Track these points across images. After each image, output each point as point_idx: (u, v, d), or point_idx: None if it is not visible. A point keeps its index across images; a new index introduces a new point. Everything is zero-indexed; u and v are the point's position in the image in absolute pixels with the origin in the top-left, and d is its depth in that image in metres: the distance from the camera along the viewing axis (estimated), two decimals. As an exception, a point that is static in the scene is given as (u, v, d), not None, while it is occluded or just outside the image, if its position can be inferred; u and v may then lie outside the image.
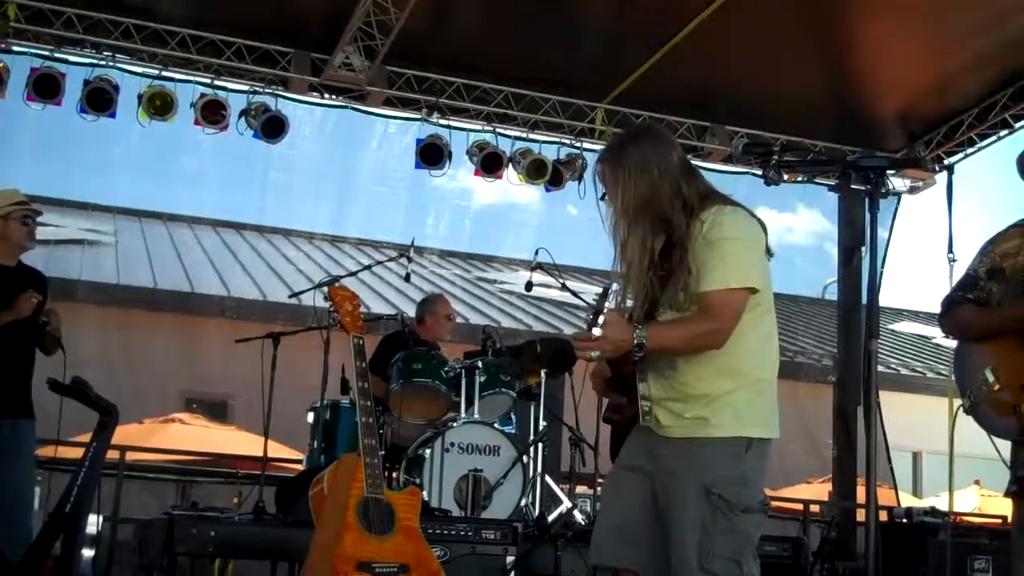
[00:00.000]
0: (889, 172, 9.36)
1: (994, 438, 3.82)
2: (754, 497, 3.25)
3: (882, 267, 10.18)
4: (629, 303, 3.42)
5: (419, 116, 9.20)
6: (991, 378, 3.78)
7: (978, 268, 3.91)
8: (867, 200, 3.05)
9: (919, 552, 6.20)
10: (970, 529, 6.69)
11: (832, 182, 9.19)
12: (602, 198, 3.44)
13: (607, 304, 3.38)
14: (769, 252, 3.42)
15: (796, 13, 8.11)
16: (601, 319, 3.20)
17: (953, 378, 4.09)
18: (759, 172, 9.63)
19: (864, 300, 10.06)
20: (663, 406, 3.34)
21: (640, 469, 3.38)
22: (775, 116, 9.46)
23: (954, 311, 3.94)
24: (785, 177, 3.26)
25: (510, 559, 5.31)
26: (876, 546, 3.02)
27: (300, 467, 7.77)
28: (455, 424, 6.49)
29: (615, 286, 3.46)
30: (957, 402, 3.94)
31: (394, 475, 6.55)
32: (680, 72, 8.81)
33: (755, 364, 3.33)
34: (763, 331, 3.35)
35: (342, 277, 7.61)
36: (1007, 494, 3.86)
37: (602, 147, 9.45)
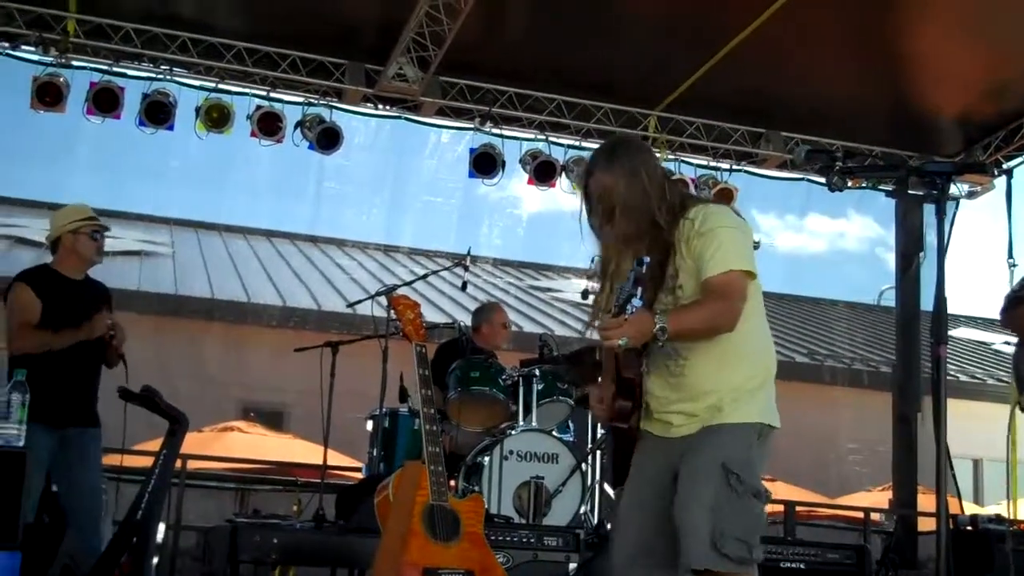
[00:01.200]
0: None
1: None
2: (759, 483, 3.31)
3: (942, 272, 10.05)
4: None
5: (472, 126, 9.25)
6: None
7: None
8: (935, 205, 3.06)
9: (985, 560, 6.13)
10: (1039, 536, 6.60)
11: (889, 187, 9.12)
12: (587, 204, 3.53)
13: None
14: (755, 245, 3.53)
15: (849, 17, 8.06)
16: (630, 308, 3.21)
17: (1014, 376, 4.07)
18: (814, 178, 9.63)
19: (923, 306, 10.08)
20: (674, 408, 3.42)
21: (654, 480, 3.40)
22: (831, 121, 9.41)
23: (1018, 308, 3.93)
24: (849, 183, 3.27)
25: (572, 566, 5.32)
26: (947, 554, 3.00)
27: (358, 475, 7.83)
28: (513, 432, 6.50)
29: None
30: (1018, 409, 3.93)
31: (452, 483, 6.58)
32: (732, 79, 8.78)
33: (759, 352, 3.44)
34: (756, 325, 3.44)
35: (399, 286, 7.66)
36: None
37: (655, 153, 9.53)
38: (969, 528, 6.50)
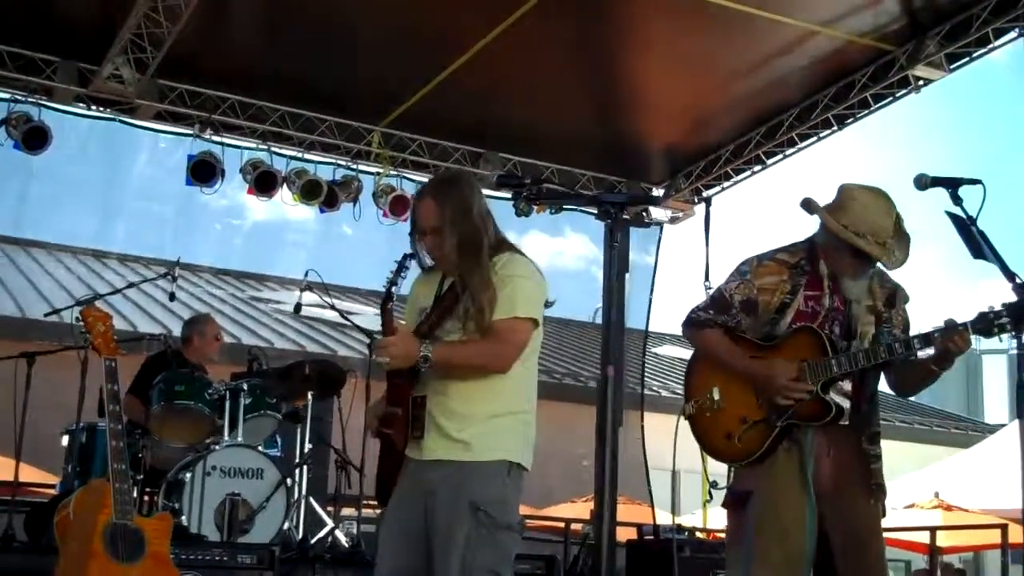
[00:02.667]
0: (652, 205, 9.77)
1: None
2: (513, 517, 3.50)
3: (651, 293, 10.61)
4: (453, 336, 3.58)
5: (191, 132, 9.03)
6: (717, 397, 4.06)
7: (734, 295, 4.10)
8: (608, 232, 3.24)
9: (665, 568, 6.50)
10: (715, 545, 7.05)
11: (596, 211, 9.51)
12: (416, 231, 3.67)
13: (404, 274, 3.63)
14: (547, 303, 3.71)
15: (569, 48, 8.40)
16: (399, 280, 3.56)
17: (683, 383, 4.34)
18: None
19: (630, 324, 10.59)
20: (433, 422, 3.54)
21: (412, 500, 3.53)
22: (546, 145, 9.75)
23: (703, 332, 4.16)
24: (535, 209, 3.44)
25: (266, 584, 5.26)
26: (609, 564, 3.19)
27: (53, 492, 7.45)
28: (217, 447, 6.38)
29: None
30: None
31: (154, 499, 6.39)
32: (457, 99, 8.96)
33: (521, 395, 3.59)
34: (531, 367, 3.65)
35: (103, 295, 7.39)
36: (722, 506, 4.15)
37: (377, 168, 9.53)
38: (650, 537, 6.89)
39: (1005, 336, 3.97)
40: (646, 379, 13.72)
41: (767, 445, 3.96)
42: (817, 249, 4.10)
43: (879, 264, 4.07)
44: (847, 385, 4.04)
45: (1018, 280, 3.70)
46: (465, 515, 3.38)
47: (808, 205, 4.13)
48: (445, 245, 3.58)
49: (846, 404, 4.01)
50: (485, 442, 3.48)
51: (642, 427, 10.31)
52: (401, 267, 3.66)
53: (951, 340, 3.82)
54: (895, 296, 4.19)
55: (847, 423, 4.02)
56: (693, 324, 4.20)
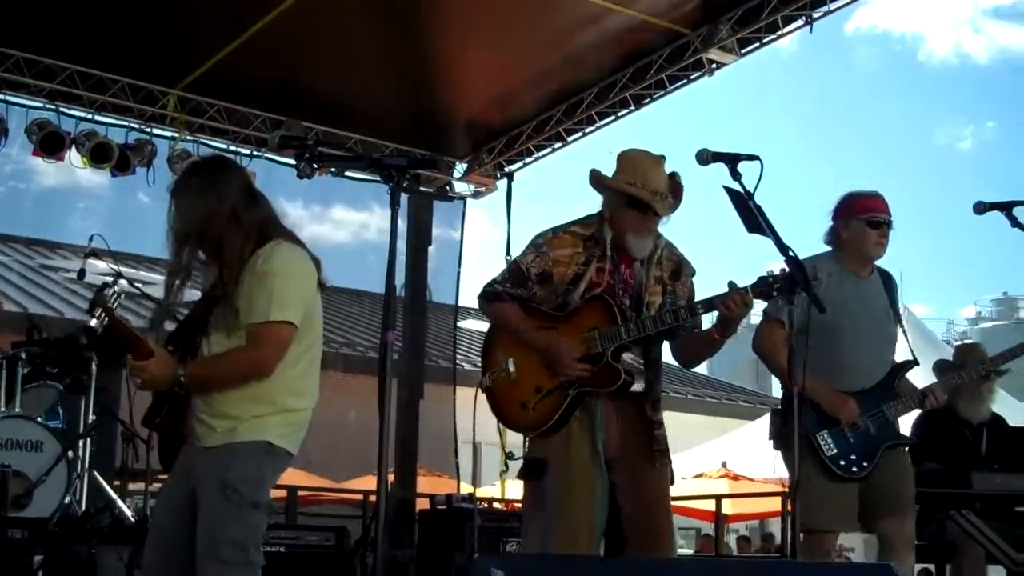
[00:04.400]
0: (455, 176, 9.81)
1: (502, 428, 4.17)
2: (264, 496, 3.50)
3: (459, 267, 10.66)
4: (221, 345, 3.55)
5: (-29, 89, 8.54)
6: (512, 369, 4.09)
7: (530, 267, 4.18)
8: (390, 196, 3.24)
9: (456, 537, 6.58)
10: (505, 514, 7.18)
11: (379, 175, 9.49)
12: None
13: (108, 298, 3.48)
14: (323, 286, 3.67)
15: (375, 18, 8.30)
16: (98, 311, 3.45)
17: (480, 357, 4.34)
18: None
19: (434, 298, 10.62)
20: (201, 419, 3.54)
21: (181, 483, 3.56)
22: (351, 116, 9.62)
23: (497, 305, 4.21)
24: (317, 171, 3.39)
25: (38, 558, 5.04)
26: (401, 532, 3.21)
27: None
28: (-8, 419, 6.08)
29: (115, 287, 3.75)
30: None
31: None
32: (258, 64, 8.75)
33: (288, 395, 3.55)
34: (302, 367, 3.58)
35: None
36: (517, 476, 4.23)
37: (172, 133, 9.24)
38: (443, 507, 6.97)
39: (782, 303, 4.19)
40: (449, 352, 13.80)
41: (560, 413, 4.05)
42: (603, 217, 4.23)
43: (660, 229, 4.22)
44: (636, 353, 4.17)
45: (791, 253, 3.89)
46: (216, 493, 3.40)
47: (592, 175, 4.26)
48: (176, 234, 3.53)
49: (635, 372, 4.13)
50: (245, 427, 3.48)
51: (454, 401, 10.37)
52: (101, 299, 3.55)
53: (732, 301, 3.96)
54: (680, 269, 4.34)
55: (638, 390, 4.14)
56: (488, 297, 4.25)
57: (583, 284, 4.15)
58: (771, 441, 4.73)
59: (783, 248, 3.88)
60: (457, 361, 11.62)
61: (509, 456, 4.28)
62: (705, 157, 3.88)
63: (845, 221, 4.81)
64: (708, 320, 4.30)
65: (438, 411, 10.39)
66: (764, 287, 3.95)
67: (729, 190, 3.89)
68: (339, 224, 11.27)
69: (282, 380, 3.50)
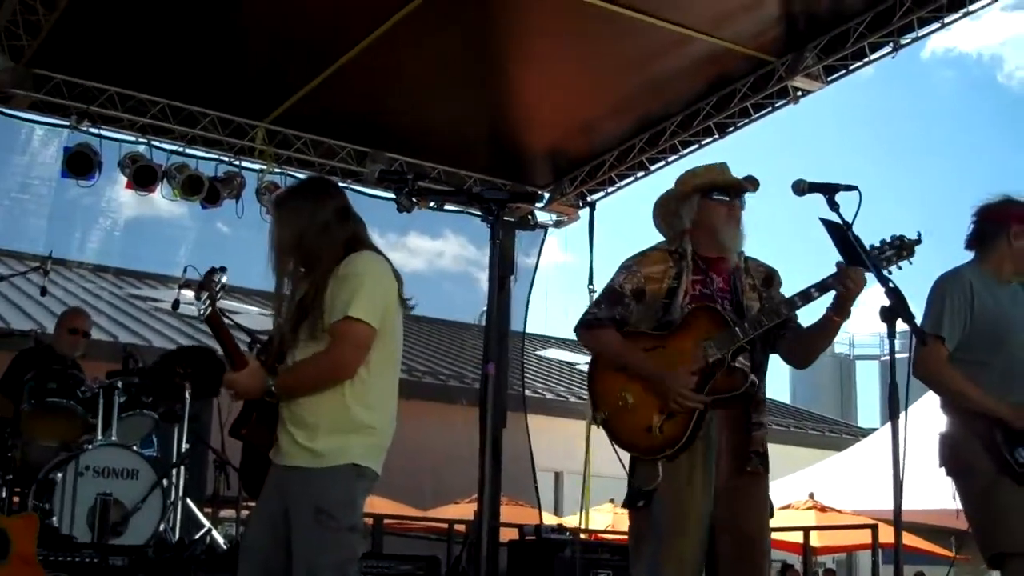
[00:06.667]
0: (538, 205, 9.84)
1: (623, 457, 4.07)
2: (358, 519, 3.57)
3: (529, 295, 10.66)
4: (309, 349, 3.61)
5: (68, 123, 8.77)
6: (630, 398, 3.98)
7: (624, 285, 4.09)
8: (491, 228, 3.25)
9: (546, 568, 6.54)
10: (595, 545, 7.12)
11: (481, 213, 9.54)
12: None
13: (215, 286, 3.68)
14: (403, 303, 3.73)
15: (455, 48, 8.38)
16: (204, 297, 3.67)
17: (588, 393, 4.20)
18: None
19: (514, 326, 10.63)
20: (285, 429, 3.60)
21: (272, 503, 3.61)
22: (433, 146, 9.71)
23: (598, 331, 4.10)
24: (417, 204, 3.41)
25: (140, 585, 5.15)
26: (491, 564, 3.18)
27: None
28: (90, 447, 6.22)
29: (224, 277, 3.77)
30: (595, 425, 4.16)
31: (25, 500, 6.20)
32: (342, 97, 8.88)
33: (362, 404, 3.58)
34: (377, 377, 3.62)
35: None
36: (624, 505, 4.11)
37: (260, 165, 9.42)
38: (532, 538, 6.92)
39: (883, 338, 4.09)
40: (532, 382, 13.83)
41: (691, 430, 3.90)
42: (684, 231, 4.17)
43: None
44: (744, 358, 4.03)
45: (891, 285, 3.82)
46: (311, 519, 3.45)
47: (667, 196, 4.25)
48: (276, 253, 3.67)
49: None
50: (326, 447, 3.52)
51: (526, 428, 10.35)
52: (209, 283, 3.69)
53: (849, 278, 3.86)
54: (772, 277, 4.24)
55: (751, 393, 4.02)
56: (585, 326, 4.16)
57: (681, 296, 4.06)
58: (942, 468, 4.40)
59: (883, 280, 3.82)
60: (538, 390, 11.62)
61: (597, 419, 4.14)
62: (802, 188, 3.82)
63: (1021, 228, 4.46)
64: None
65: (510, 439, 10.39)
66: (874, 260, 3.87)
67: (827, 222, 3.82)
68: (414, 252, 11.37)
69: (362, 388, 3.56)
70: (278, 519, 3.53)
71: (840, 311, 3.95)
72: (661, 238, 4.28)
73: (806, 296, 3.97)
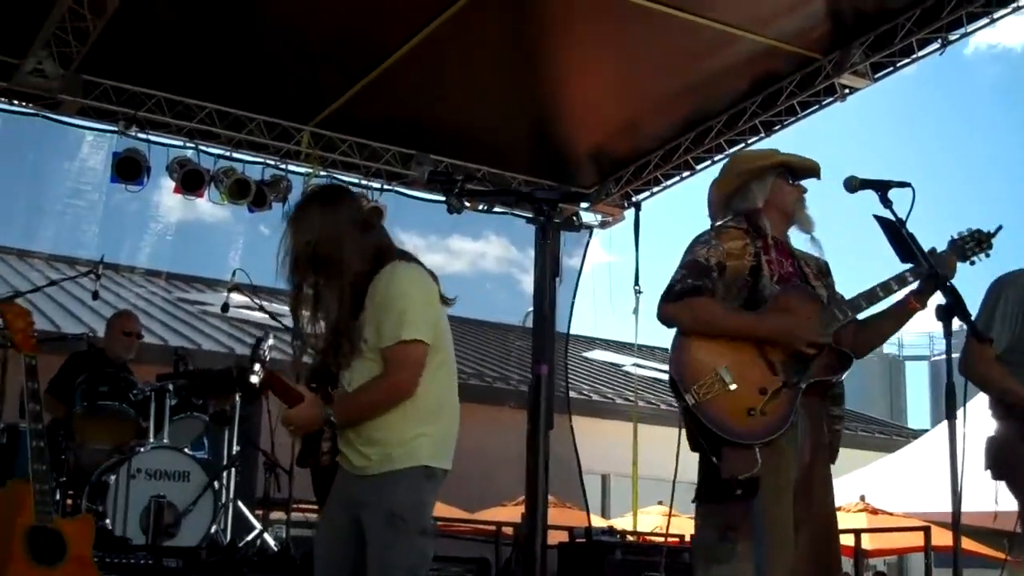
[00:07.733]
0: (583, 206, 9.81)
1: (681, 458, 3.75)
2: (428, 521, 3.54)
3: (574, 296, 10.64)
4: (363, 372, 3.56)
5: (116, 128, 8.88)
6: (728, 378, 3.67)
7: (708, 257, 3.80)
8: (541, 229, 3.21)
9: (597, 570, 6.52)
10: (646, 548, 7.08)
11: (529, 214, 9.54)
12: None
13: (264, 352, 3.51)
14: (444, 300, 3.66)
15: (499, 49, 8.41)
16: (257, 367, 3.47)
17: (670, 372, 3.87)
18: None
19: (559, 328, 10.60)
20: (353, 447, 3.56)
21: (341, 513, 3.58)
22: (478, 147, 9.74)
23: (695, 301, 3.75)
24: (467, 205, 3.37)
25: (194, 587, 5.18)
26: (541, 566, 3.17)
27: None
28: (142, 449, 6.27)
29: (271, 340, 3.62)
30: (642, 426, 4.08)
31: (78, 502, 6.26)
32: (386, 100, 8.93)
33: (430, 413, 3.55)
34: (439, 383, 3.59)
35: (24, 293, 7.23)
36: (707, 499, 3.77)
37: (306, 168, 9.45)
38: (582, 540, 6.90)
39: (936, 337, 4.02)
40: (578, 383, 13.75)
41: (795, 410, 3.67)
42: (757, 209, 3.97)
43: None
44: None
45: (948, 283, 3.76)
46: (384, 522, 3.43)
47: (739, 172, 4.05)
48: (295, 265, 3.53)
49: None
50: (398, 453, 3.49)
51: (571, 428, 10.32)
52: (257, 353, 3.53)
53: (948, 267, 3.82)
54: (826, 269, 4.08)
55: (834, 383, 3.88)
56: (677, 297, 3.78)
57: (766, 274, 3.82)
58: (989, 471, 4.33)
59: (939, 278, 3.76)
60: (583, 392, 11.58)
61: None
62: (854, 184, 3.75)
63: None
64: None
65: (556, 440, 10.34)
66: (956, 250, 3.85)
67: (880, 219, 3.76)
68: (456, 254, 11.36)
69: (423, 399, 3.52)
70: (348, 529, 3.52)
71: (922, 297, 3.83)
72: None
73: (901, 280, 3.84)
